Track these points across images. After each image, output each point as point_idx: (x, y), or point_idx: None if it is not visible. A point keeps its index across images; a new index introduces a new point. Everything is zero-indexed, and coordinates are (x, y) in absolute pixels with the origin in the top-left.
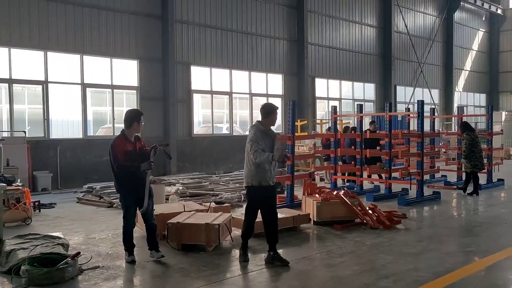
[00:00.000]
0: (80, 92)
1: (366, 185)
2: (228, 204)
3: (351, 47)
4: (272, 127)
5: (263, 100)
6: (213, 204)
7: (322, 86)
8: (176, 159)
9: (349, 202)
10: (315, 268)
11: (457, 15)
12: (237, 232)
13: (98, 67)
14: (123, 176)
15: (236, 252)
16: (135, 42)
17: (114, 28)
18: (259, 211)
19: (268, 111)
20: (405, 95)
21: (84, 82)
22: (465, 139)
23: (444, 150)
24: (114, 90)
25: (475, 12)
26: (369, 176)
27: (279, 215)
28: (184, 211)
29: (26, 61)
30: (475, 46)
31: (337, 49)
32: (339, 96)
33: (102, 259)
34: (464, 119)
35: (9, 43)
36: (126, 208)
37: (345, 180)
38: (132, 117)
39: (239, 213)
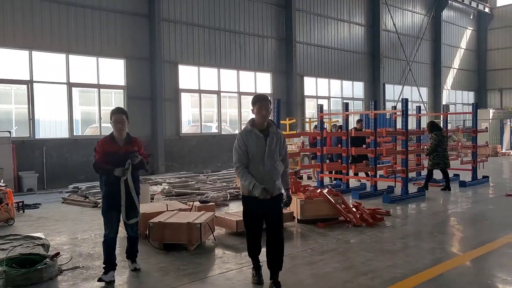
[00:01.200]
0: (66, 91)
1: (353, 183)
2: (212, 203)
3: (340, 46)
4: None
5: (250, 99)
6: (197, 203)
7: (311, 85)
8: (164, 159)
9: (332, 200)
10: (295, 266)
11: (445, 13)
12: (220, 231)
13: (84, 66)
14: (103, 180)
15: (218, 251)
16: (121, 41)
17: (100, 27)
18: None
19: (252, 102)
20: (393, 93)
21: (70, 81)
22: (432, 138)
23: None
24: (102, 90)
25: (463, 10)
26: (356, 174)
27: None
28: (167, 210)
29: (11, 61)
30: (463, 44)
31: (326, 47)
32: (328, 95)
33: (82, 259)
34: (450, 117)
35: None
36: (102, 214)
37: (332, 178)
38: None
39: (224, 212)
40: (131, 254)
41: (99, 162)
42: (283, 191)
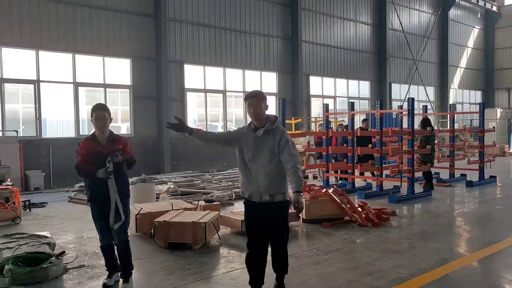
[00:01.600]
0: (72, 91)
1: (359, 182)
2: (218, 203)
3: (346, 45)
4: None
5: None
6: (202, 203)
7: (317, 84)
8: (170, 158)
9: (337, 200)
10: (300, 265)
11: (452, 12)
12: (225, 230)
13: (90, 66)
14: (87, 183)
15: (223, 250)
16: (127, 41)
17: (106, 26)
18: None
19: (244, 101)
20: (400, 92)
21: (77, 81)
22: (422, 136)
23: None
24: (108, 89)
25: (470, 9)
26: (362, 174)
27: None
28: (172, 209)
29: (18, 60)
30: (471, 43)
31: (332, 47)
32: (334, 94)
33: (88, 258)
34: (457, 116)
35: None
36: (93, 220)
37: (338, 178)
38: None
39: (229, 211)
40: (124, 270)
41: (81, 163)
42: (287, 197)
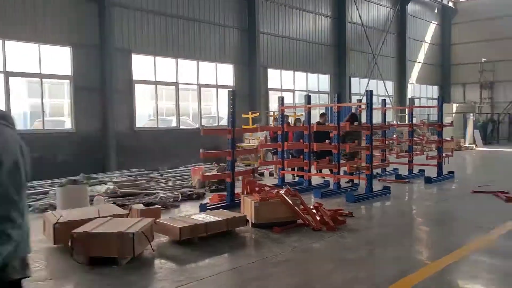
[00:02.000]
0: (2, 81)
1: (317, 180)
2: (158, 206)
3: (305, 37)
4: None
5: (213, 91)
6: (140, 206)
7: (275, 77)
8: (115, 155)
9: (290, 202)
10: (243, 282)
11: (410, 7)
12: (163, 239)
13: (24, 54)
14: None
15: (156, 265)
16: (67, 27)
17: (43, 10)
18: None
19: None
20: (359, 86)
21: (7, 70)
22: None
23: (397, 143)
24: (49, 80)
25: (428, 4)
26: (320, 171)
27: (212, 218)
28: (99, 216)
29: None
30: (428, 38)
31: (291, 38)
32: (293, 88)
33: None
34: (415, 111)
35: None
36: None
37: (295, 175)
38: None
39: (168, 217)
40: None
41: None
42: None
